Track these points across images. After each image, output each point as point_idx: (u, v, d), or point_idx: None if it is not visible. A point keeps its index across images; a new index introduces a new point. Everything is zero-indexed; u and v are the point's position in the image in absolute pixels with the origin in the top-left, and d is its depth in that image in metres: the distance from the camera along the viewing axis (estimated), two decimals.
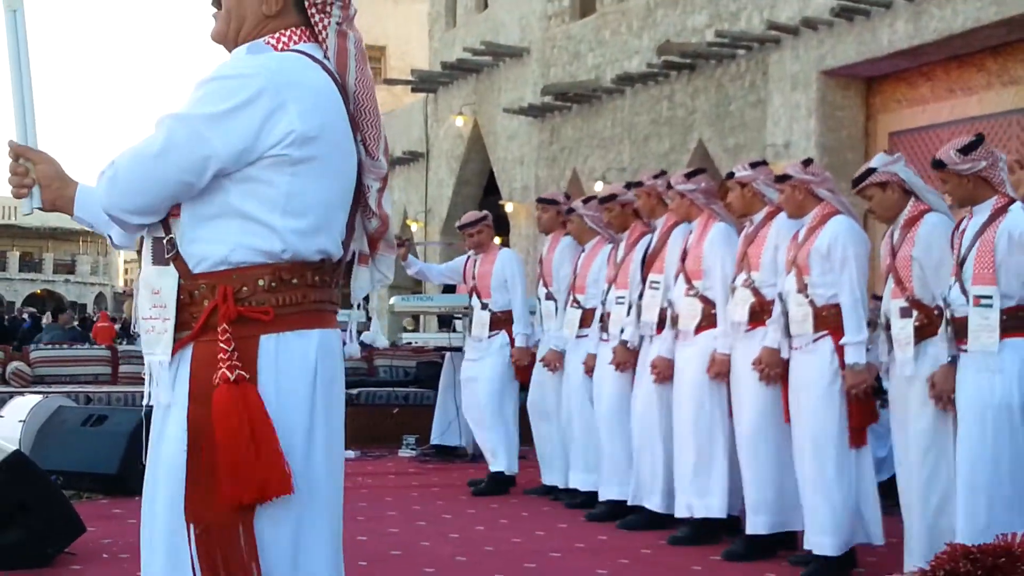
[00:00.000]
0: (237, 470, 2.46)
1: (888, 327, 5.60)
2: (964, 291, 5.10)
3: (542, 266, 8.72)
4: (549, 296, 8.56)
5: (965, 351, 5.10)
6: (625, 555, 6.43)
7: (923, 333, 5.46)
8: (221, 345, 2.52)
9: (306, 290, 2.62)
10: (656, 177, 7.53)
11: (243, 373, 2.50)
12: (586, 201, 8.37)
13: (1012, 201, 5.14)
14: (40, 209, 2.74)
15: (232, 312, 2.54)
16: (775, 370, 6.20)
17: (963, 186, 5.20)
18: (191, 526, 2.51)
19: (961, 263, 5.15)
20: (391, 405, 11.58)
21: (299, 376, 2.58)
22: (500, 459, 8.74)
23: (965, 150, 5.18)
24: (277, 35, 2.68)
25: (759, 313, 6.38)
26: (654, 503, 7.11)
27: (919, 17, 11.26)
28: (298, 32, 2.69)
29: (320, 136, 2.58)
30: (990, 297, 5.03)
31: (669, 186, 7.16)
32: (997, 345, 5.00)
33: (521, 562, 6.23)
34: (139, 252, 2.70)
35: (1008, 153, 10.91)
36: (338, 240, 2.70)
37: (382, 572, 5.75)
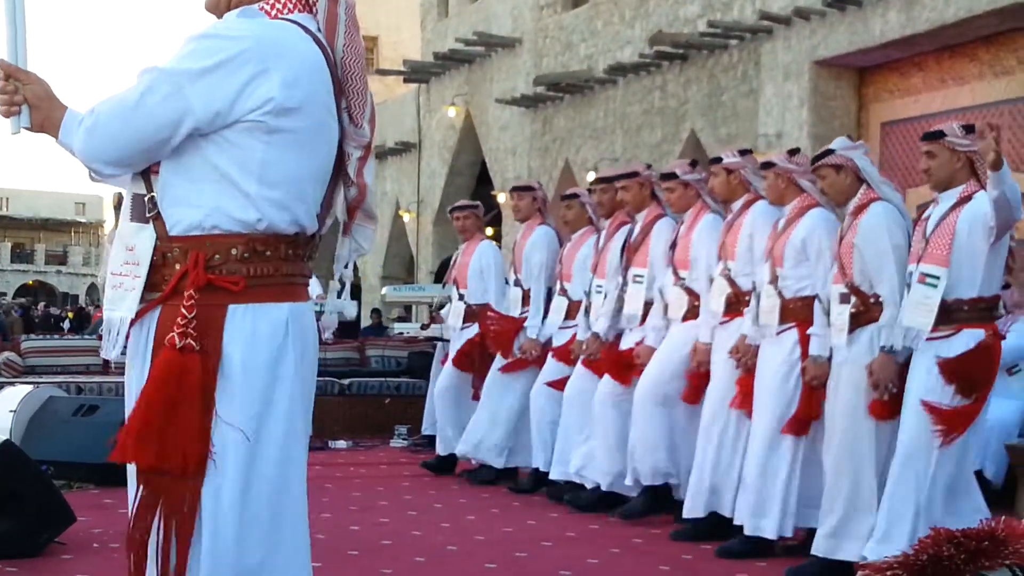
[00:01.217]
0: (143, 433, 2.46)
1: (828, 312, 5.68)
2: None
3: (514, 253, 8.77)
4: (517, 283, 8.62)
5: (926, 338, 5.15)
6: (616, 544, 6.44)
7: (859, 320, 5.53)
8: (182, 311, 2.51)
9: (279, 263, 2.61)
10: (648, 168, 7.57)
11: (192, 343, 2.49)
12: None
13: (979, 190, 5.17)
14: (28, 129, 2.68)
15: (201, 279, 2.53)
16: (751, 360, 6.22)
17: (950, 163, 5.22)
18: (140, 486, 2.53)
19: (926, 248, 5.18)
20: (383, 395, 11.59)
21: (267, 349, 2.57)
22: (451, 442, 8.85)
23: (968, 128, 5.23)
24: (272, 1, 2.67)
25: (735, 303, 6.41)
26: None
27: (911, 7, 11.27)
28: (292, 1, 2.68)
29: (300, 109, 2.57)
30: (937, 277, 5.08)
31: (671, 176, 7.11)
32: (930, 325, 5.06)
33: (512, 551, 6.24)
34: (117, 208, 2.70)
35: (999, 144, 10.93)
36: (313, 214, 2.69)
37: (373, 561, 5.76)
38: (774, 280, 6.06)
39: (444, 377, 8.98)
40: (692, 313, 6.81)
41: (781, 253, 6.05)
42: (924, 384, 5.14)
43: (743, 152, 6.79)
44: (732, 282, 6.44)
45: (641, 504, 6.96)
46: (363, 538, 6.40)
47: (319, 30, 2.66)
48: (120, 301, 2.60)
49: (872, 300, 5.50)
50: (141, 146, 2.54)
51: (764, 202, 6.48)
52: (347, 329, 20.04)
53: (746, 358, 6.25)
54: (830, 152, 5.78)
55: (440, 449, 9.00)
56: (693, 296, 6.82)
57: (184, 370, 2.48)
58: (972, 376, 5.10)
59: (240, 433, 2.52)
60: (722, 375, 6.45)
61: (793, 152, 6.39)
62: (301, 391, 2.66)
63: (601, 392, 7.28)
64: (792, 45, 12.83)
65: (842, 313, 5.60)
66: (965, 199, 5.18)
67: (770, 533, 6.05)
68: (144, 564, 2.52)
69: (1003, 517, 1.53)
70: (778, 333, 6.03)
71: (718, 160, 6.71)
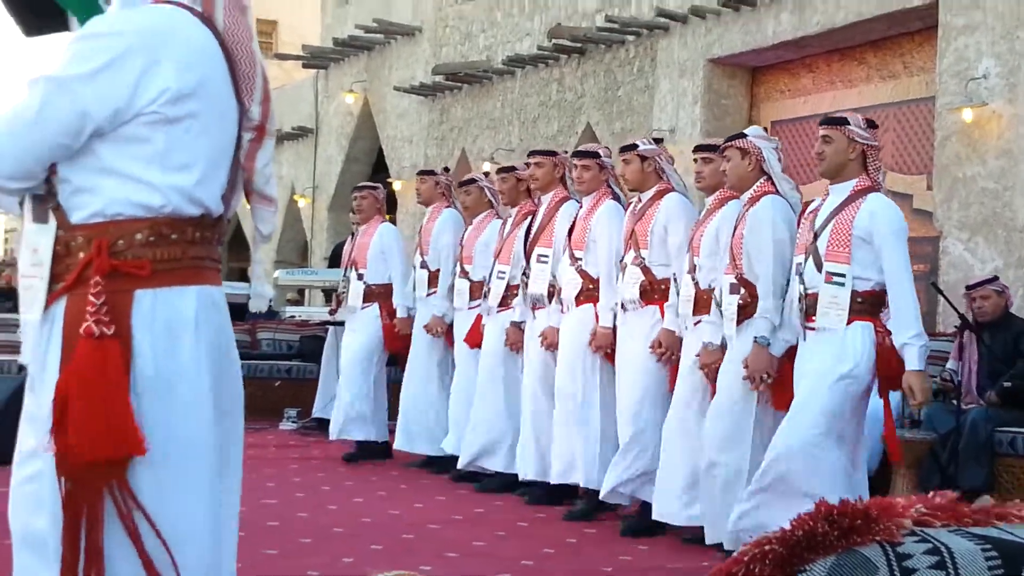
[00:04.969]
0: (85, 427, 2.43)
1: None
2: (819, 268, 5.22)
3: (421, 236, 8.85)
4: (424, 265, 8.69)
5: (812, 329, 5.26)
6: (503, 527, 6.52)
7: (745, 312, 5.62)
8: (91, 299, 2.48)
9: (185, 246, 2.58)
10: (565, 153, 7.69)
11: (105, 330, 2.47)
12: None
13: (873, 187, 5.29)
14: None
15: (106, 265, 2.50)
16: (674, 352, 6.30)
17: (845, 152, 5.28)
18: (61, 480, 2.48)
19: (815, 241, 5.26)
20: (273, 378, 11.56)
21: (177, 333, 2.54)
22: (368, 427, 8.84)
23: (870, 123, 5.34)
24: None
25: (649, 292, 6.47)
26: (553, 475, 7.20)
27: (803, 10, 11.50)
28: None
29: (197, 92, 2.56)
30: (843, 276, 5.16)
31: (632, 147, 6.85)
32: (844, 324, 5.15)
33: (399, 533, 6.28)
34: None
35: (884, 145, 11.21)
36: (218, 196, 2.67)
37: (258, 543, 5.74)
38: (692, 270, 6.13)
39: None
40: (586, 295, 6.89)
41: (699, 243, 6.11)
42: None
43: (657, 141, 6.85)
44: (647, 270, 6.47)
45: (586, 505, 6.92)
46: (249, 519, 6.37)
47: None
48: (31, 304, 2.57)
49: (757, 292, 5.62)
50: (44, 158, 2.51)
51: (678, 195, 6.54)
52: (236, 312, 19.87)
53: (668, 351, 6.33)
54: (742, 136, 5.87)
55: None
56: (587, 279, 6.90)
57: (107, 357, 2.45)
58: (894, 374, 5.21)
59: (151, 417, 2.49)
60: (639, 365, 6.48)
61: (657, 140, 6.53)
62: (213, 373, 2.61)
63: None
64: (688, 43, 13.01)
65: (731, 304, 5.70)
66: (860, 192, 5.24)
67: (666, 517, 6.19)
68: (77, 561, 2.46)
69: (876, 496, 1.61)
70: (695, 324, 6.10)
71: (633, 147, 6.71)
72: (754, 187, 5.77)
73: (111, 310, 2.49)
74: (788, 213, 5.69)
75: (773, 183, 5.77)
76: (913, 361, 5.04)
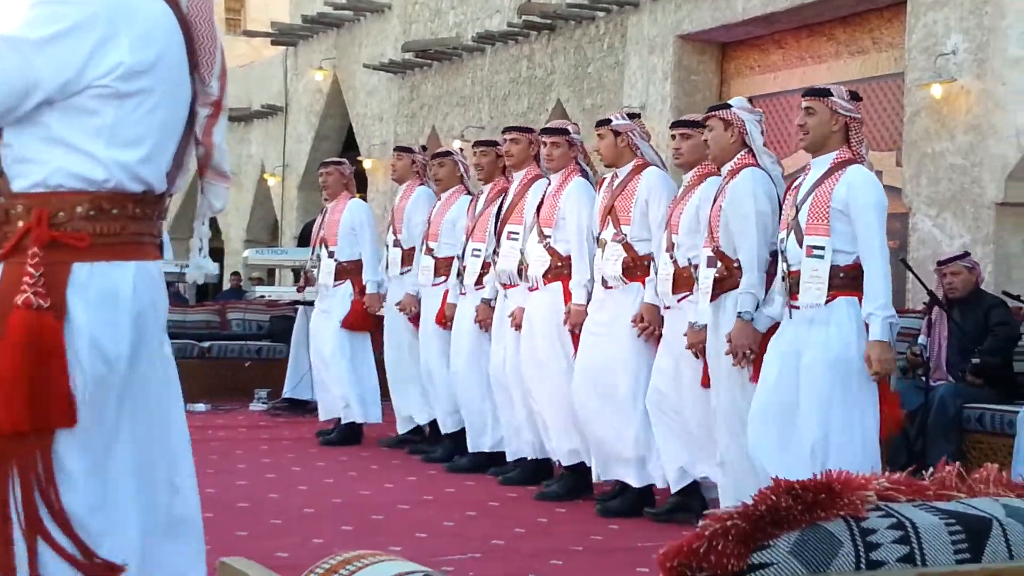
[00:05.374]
0: (14, 397, 2.43)
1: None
2: (800, 243, 5.16)
3: (394, 214, 8.80)
4: (397, 243, 8.64)
5: (797, 307, 5.22)
6: (473, 507, 6.51)
7: (722, 285, 5.59)
8: (28, 269, 2.47)
9: (125, 221, 2.57)
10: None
11: (42, 302, 2.46)
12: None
13: (854, 159, 5.25)
14: None
15: (45, 236, 2.49)
16: (657, 327, 6.27)
17: (828, 124, 5.20)
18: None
19: (796, 215, 5.20)
20: (243, 359, 11.51)
21: (113, 307, 2.54)
22: (353, 409, 8.78)
23: (853, 95, 5.30)
24: None
25: (632, 268, 6.43)
26: (527, 452, 7.19)
27: None
28: None
29: (151, 69, 2.54)
30: (822, 248, 5.10)
31: (606, 122, 6.81)
32: (824, 297, 5.10)
33: (369, 514, 6.27)
34: None
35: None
36: (162, 173, 2.66)
37: (229, 523, 5.72)
38: (670, 248, 6.10)
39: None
40: (554, 273, 6.86)
41: (678, 221, 6.08)
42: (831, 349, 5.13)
43: (630, 116, 6.79)
44: (629, 247, 6.43)
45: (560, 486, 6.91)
46: (219, 500, 6.36)
47: None
48: None
49: (736, 265, 5.54)
50: None
51: (657, 169, 6.50)
52: (206, 292, 19.79)
53: (653, 326, 6.31)
54: (727, 106, 5.84)
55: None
56: (556, 256, 6.87)
57: (44, 328, 2.45)
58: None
59: (80, 390, 2.48)
60: (622, 340, 6.44)
61: (634, 115, 6.49)
62: (154, 347, 2.63)
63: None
64: (658, 19, 12.98)
65: (708, 277, 5.66)
66: (840, 164, 5.17)
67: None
68: (10, 531, 2.45)
69: (841, 470, 1.60)
70: (678, 302, 6.07)
71: (606, 122, 6.66)
72: (735, 159, 5.73)
73: (47, 282, 2.48)
74: (769, 186, 5.63)
75: (754, 156, 5.73)
76: (876, 332, 5.02)
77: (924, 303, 7.88)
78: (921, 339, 7.65)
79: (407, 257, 8.56)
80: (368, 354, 8.94)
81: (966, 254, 7.94)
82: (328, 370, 8.87)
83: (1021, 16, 8.91)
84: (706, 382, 5.85)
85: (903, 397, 7.24)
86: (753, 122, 5.76)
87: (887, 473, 1.60)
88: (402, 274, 8.59)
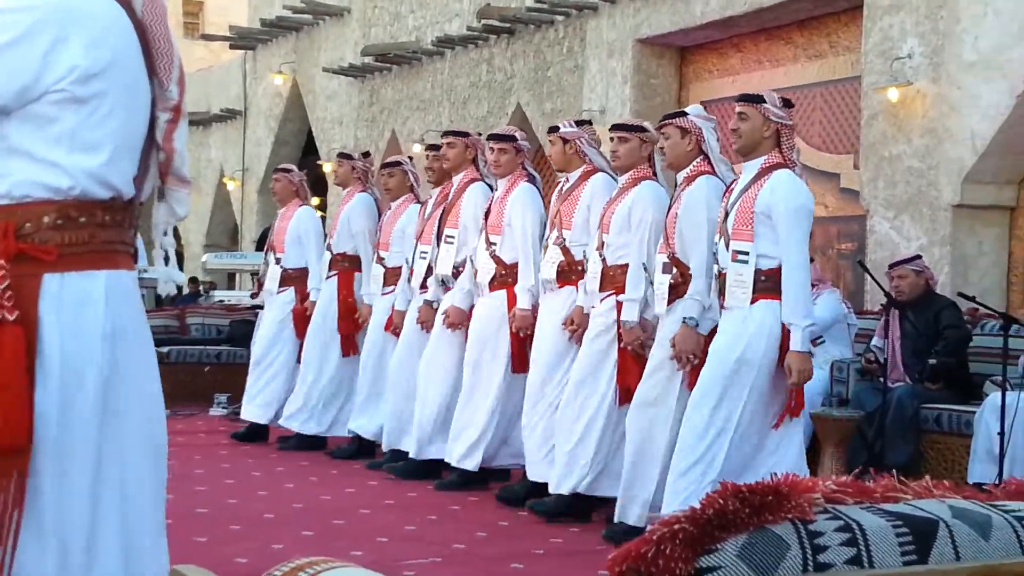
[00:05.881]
0: None
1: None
2: (727, 247, 5.27)
3: (333, 219, 8.87)
4: (329, 248, 8.68)
5: (725, 308, 5.31)
6: (434, 511, 6.51)
7: (677, 292, 5.65)
8: None
9: (94, 229, 2.52)
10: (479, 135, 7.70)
11: (8, 315, 2.40)
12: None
13: (783, 164, 5.31)
14: None
15: (12, 249, 2.44)
16: (584, 329, 6.33)
17: (760, 130, 5.30)
18: None
19: (725, 220, 5.30)
20: (203, 364, 11.46)
21: (85, 318, 2.48)
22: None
23: (786, 102, 5.37)
24: None
25: (567, 272, 6.50)
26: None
27: None
28: None
29: (107, 71, 2.49)
30: (746, 253, 5.20)
31: (555, 128, 6.91)
32: (748, 300, 5.17)
33: (330, 519, 6.25)
34: None
35: (812, 125, 11.31)
36: (129, 178, 2.60)
37: (187, 530, 5.68)
38: (600, 247, 6.16)
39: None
40: (499, 281, 6.91)
41: (609, 221, 6.15)
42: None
43: (580, 123, 6.87)
44: (566, 251, 6.50)
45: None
46: (177, 507, 6.31)
47: None
48: None
49: (689, 272, 5.64)
50: None
51: (603, 175, 6.57)
52: (164, 297, 19.67)
53: (581, 328, 6.34)
54: (683, 114, 5.90)
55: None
56: (500, 264, 6.92)
57: (5, 344, 2.38)
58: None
59: (55, 405, 2.42)
60: (552, 342, 6.52)
61: (582, 122, 6.55)
62: (131, 360, 2.56)
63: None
64: (616, 23, 13.02)
65: (663, 283, 5.73)
66: (766, 170, 5.27)
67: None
68: None
69: (788, 473, 1.61)
70: (601, 300, 6.14)
71: (556, 129, 6.75)
72: (691, 166, 5.79)
73: (16, 294, 2.42)
74: (721, 193, 5.71)
75: (710, 163, 5.79)
76: (796, 342, 5.11)
77: (881, 305, 7.93)
78: (875, 341, 7.70)
79: (335, 261, 8.62)
80: (292, 358, 8.94)
81: (916, 257, 7.99)
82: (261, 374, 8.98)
83: (976, 21, 8.99)
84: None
85: (862, 398, 7.33)
86: (709, 129, 5.83)
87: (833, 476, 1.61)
88: (328, 279, 8.64)
